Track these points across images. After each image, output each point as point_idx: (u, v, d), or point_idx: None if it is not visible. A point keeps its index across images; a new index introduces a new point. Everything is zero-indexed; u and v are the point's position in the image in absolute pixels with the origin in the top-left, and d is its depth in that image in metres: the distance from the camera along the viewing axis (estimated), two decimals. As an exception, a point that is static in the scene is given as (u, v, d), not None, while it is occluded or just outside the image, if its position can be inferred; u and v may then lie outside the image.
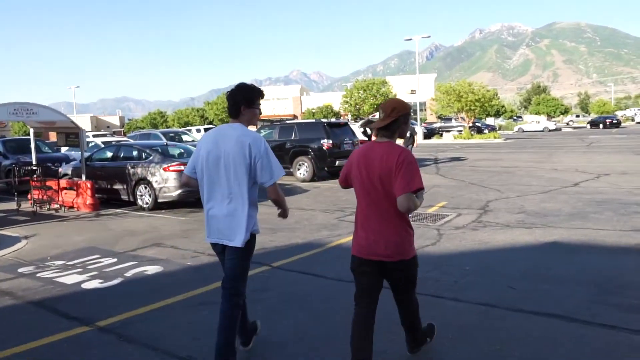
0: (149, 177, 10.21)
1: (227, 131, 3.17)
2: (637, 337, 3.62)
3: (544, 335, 3.69)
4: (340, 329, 4.01)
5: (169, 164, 10.10)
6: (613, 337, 3.63)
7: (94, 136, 27.67)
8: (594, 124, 55.51)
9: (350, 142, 15.13)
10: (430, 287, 4.74)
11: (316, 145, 14.31)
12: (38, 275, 5.75)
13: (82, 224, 9.09)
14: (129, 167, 10.60)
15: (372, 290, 3.04)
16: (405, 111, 2.97)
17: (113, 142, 14.66)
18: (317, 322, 4.20)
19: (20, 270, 6.00)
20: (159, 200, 10.15)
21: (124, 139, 20.29)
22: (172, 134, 21.21)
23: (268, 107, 65.04)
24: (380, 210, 2.90)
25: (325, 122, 15.19)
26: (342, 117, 47.76)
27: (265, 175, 3.12)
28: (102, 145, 14.15)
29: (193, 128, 33.49)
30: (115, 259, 6.35)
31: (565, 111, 75.42)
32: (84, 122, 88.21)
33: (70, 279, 5.53)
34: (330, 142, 14.25)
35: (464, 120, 39.14)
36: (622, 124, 62.04)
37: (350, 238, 7.07)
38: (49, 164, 13.03)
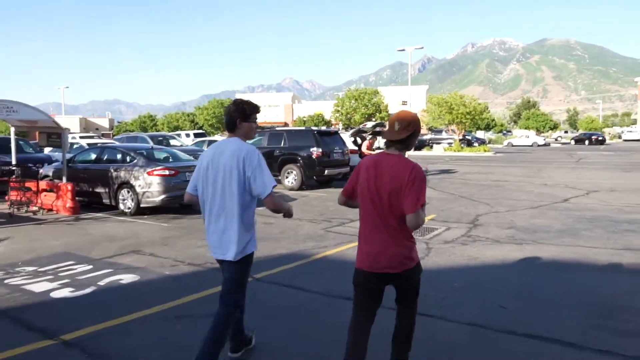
0: (132, 181, 9.92)
1: (224, 146, 3.24)
2: (634, 365, 3.44)
3: (536, 361, 3.49)
4: (323, 347, 3.79)
5: (153, 168, 9.83)
6: (608, 363, 3.46)
7: (81, 137, 27.23)
8: (578, 140, 56.01)
9: (340, 151, 14.96)
10: (419, 303, 4.52)
11: (305, 153, 14.11)
12: (6, 281, 5.45)
13: (60, 228, 8.77)
14: (112, 170, 10.30)
15: (372, 305, 3.04)
16: (419, 126, 2.98)
17: (98, 144, 14.33)
18: (299, 339, 3.97)
19: (-13, 275, 5.69)
20: (142, 205, 9.85)
21: (110, 141, 19.95)
22: (160, 138, 20.91)
23: (259, 115, 64.69)
24: (387, 225, 2.86)
25: (315, 130, 15.01)
26: (333, 126, 47.67)
27: (259, 187, 3.13)
28: (87, 147, 13.80)
29: (182, 133, 33.13)
30: (90, 266, 6.06)
31: (554, 127, 76.22)
32: (72, 123, 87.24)
33: (39, 286, 5.24)
34: (320, 150, 14.06)
35: (455, 132, 39.26)
36: (609, 141, 62.84)
37: (337, 250, 6.87)
38: (30, 165, 12.65)
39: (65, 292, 5.04)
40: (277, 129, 18.44)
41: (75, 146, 16.85)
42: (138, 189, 9.82)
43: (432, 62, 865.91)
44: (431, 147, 40.01)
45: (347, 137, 17.25)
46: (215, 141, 22.94)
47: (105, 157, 10.93)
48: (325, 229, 8.31)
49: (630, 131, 67.88)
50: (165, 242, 7.48)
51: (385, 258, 2.88)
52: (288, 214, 3.40)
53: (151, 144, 17.35)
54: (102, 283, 5.36)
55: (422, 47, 40.52)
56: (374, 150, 16.75)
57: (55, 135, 10.49)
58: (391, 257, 2.87)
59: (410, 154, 31.06)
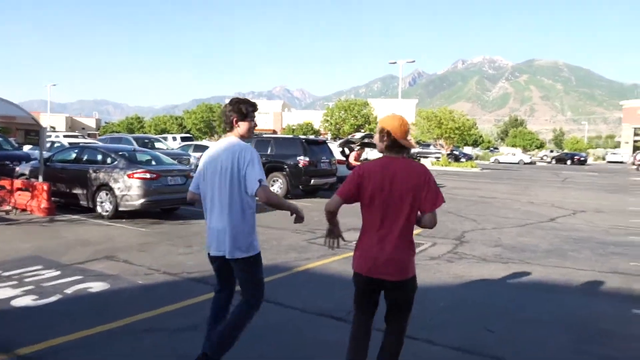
0: (111, 183, 9.59)
1: (221, 145, 3.25)
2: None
3: (524, 391, 3.30)
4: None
5: (134, 171, 9.51)
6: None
7: (65, 136, 26.68)
8: (560, 160, 56.51)
9: (328, 161, 14.77)
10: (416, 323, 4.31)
11: (292, 161, 13.88)
12: (-35, 286, 5.11)
13: (32, 230, 8.40)
14: (91, 171, 9.96)
15: (373, 308, 3.05)
16: (398, 125, 3.01)
17: (81, 144, 13.95)
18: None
19: (-53, 278, 5.35)
20: (120, 209, 9.52)
21: (92, 141, 19.52)
22: (146, 140, 20.53)
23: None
24: (399, 227, 2.85)
25: (303, 139, 14.82)
26: (322, 136, 47.61)
27: (248, 182, 3.11)
28: (67, 146, 13.42)
29: (169, 136, 32.71)
30: (58, 272, 5.74)
31: (541, 145, 77.18)
32: (58, 122, 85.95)
33: (0, 293, 4.91)
34: (307, 159, 13.86)
35: (442, 147, 39.41)
36: (593, 162, 63.73)
37: (319, 263, 6.63)
38: (7, 162, 12.23)
39: (28, 300, 4.72)
40: (265, 135, 18.22)
41: (56, 144, 16.42)
42: (117, 192, 9.50)
43: (422, 77, 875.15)
44: (419, 160, 40.06)
45: (335, 148, 17.10)
46: (202, 145, 22.63)
47: (85, 158, 10.58)
48: (308, 241, 8.08)
49: (614, 153, 69.04)
50: (142, 248, 7.18)
51: (393, 264, 2.85)
52: (298, 216, 3.30)
53: (135, 145, 17.00)
54: (69, 291, 5.05)
55: (414, 61, 40.72)
56: (361, 161, 16.59)
57: (33, 132, 10.12)
58: (398, 262, 2.86)
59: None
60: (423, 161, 38.73)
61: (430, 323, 4.48)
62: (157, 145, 20.18)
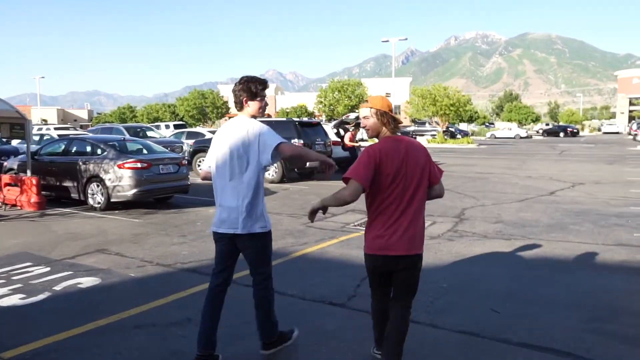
0: (102, 175, 9.35)
1: (232, 124, 3.25)
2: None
3: (535, 374, 3.15)
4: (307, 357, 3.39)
5: (124, 161, 9.26)
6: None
7: (56, 129, 26.29)
8: (551, 132, 56.13)
9: (322, 142, 14.53)
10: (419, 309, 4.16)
11: (287, 145, 13.63)
12: (-50, 287, 4.92)
13: (22, 225, 8.19)
14: (80, 163, 9.71)
15: (390, 286, 3.09)
16: (380, 104, 3.03)
17: (70, 136, 13.64)
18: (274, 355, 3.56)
19: None
20: (112, 200, 9.30)
21: (81, 132, 19.18)
22: (138, 129, 20.20)
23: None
24: (417, 203, 2.92)
25: (296, 121, 14.56)
26: (316, 118, 47.19)
27: (267, 148, 3.08)
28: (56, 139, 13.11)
29: (162, 124, 32.30)
30: (47, 268, 5.55)
31: (536, 119, 76.89)
32: (50, 114, 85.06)
33: (-14, 292, 4.73)
34: (302, 142, 13.61)
35: (438, 124, 39.12)
36: (589, 134, 63.60)
37: (316, 247, 6.45)
38: (-6, 157, 11.95)
39: (15, 300, 4.53)
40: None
41: (45, 137, 16.11)
42: (108, 183, 9.27)
43: (415, 55, 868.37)
44: (414, 138, 39.79)
45: (329, 129, 16.83)
46: (194, 132, 22.32)
47: (74, 149, 10.31)
48: (306, 224, 7.91)
49: (610, 124, 68.88)
50: (134, 240, 6.99)
51: (418, 240, 2.93)
52: (327, 165, 3.26)
53: (127, 135, 16.71)
54: (58, 288, 4.87)
55: (406, 39, 40.17)
56: (356, 141, 16.33)
57: (18, 126, 9.84)
58: (420, 237, 2.96)
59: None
60: (419, 139, 38.50)
61: (433, 306, 4.32)
62: (149, 134, 19.88)
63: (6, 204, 9.71)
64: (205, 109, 53.40)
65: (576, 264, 5.70)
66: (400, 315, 2.98)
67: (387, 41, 38.64)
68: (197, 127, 42.73)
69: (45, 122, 61.04)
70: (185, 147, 18.35)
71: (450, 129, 43.38)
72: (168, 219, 8.61)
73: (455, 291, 4.76)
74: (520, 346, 3.54)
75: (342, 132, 17.06)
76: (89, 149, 10.09)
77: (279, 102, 70.73)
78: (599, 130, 70.57)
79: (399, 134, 3.03)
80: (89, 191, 9.56)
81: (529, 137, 52.60)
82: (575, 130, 55.77)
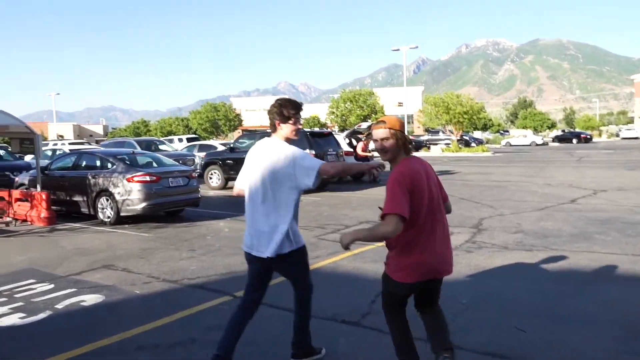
0: (111, 189, 9.25)
1: (265, 146, 3.26)
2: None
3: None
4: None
5: (133, 174, 9.16)
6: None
7: (70, 144, 26.55)
8: (563, 139, 54.75)
9: (334, 152, 14.32)
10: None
11: (298, 155, 13.45)
12: (-49, 306, 4.78)
13: (31, 241, 8.09)
14: (90, 177, 9.63)
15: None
16: (391, 126, 2.94)
17: (81, 150, 13.65)
18: (281, 376, 3.32)
19: None
20: (122, 214, 9.18)
21: (91, 146, 19.26)
22: (150, 143, 20.24)
23: (255, 118, 64.23)
24: (444, 220, 2.92)
25: (308, 132, 14.38)
26: (329, 129, 47.10)
27: (311, 172, 3.07)
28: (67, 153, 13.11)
29: (175, 137, 32.48)
30: (52, 285, 5.39)
31: (552, 125, 75.82)
32: (66, 130, 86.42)
33: (-14, 312, 4.57)
34: (313, 152, 13.41)
35: (452, 133, 38.69)
36: (607, 139, 62.43)
37: (329, 261, 6.20)
38: (7, 172, 11.96)
39: (14, 319, 4.36)
40: (269, 131, 17.82)
41: (58, 152, 16.17)
42: (117, 197, 9.16)
43: (426, 64, 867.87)
44: (429, 148, 39.41)
45: (341, 139, 16.64)
46: (206, 145, 22.31)
47: (84, 164, 10.26)
48: (318, 237, 7.67)
49: (629, 129, 67.51)
50: (142, 255, 6.82)
51: (448, 261, 2.91)
52: (371, 170, 3.27)
53: (138, 149, 16.71)
54: (60, 306, 4.69)
55: (417, 47, 39.99)
56: (369, 151, 16.10)
57: (27, 140, 9.81)
58: (451, 258, 2.95)
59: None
60: (433, 148, 38.10)
61: (453, 324, 4.02)
62: (161, 147, 19.91)
63: (17, 220, 9.65)
64: (218, 121, 53.67)
65: (604, 276, 5.36)
66: (439, 311, 3.09)
67: (398, 50, 38.49)
68: (210, 140, 42.91)
69: (61, 137, 61.97)
70: (197, 160, 18.30)
71: (464, 137, 42.89)
72: (178, 232, 8.44)
73: (476, 307, 4.46)
74: (550, 369, 3.24)
75: (354, 142, 16.84)
76: (98, 163, 10.02)
77: (291, 113, 70.78)
78: (617, 135, 69.22)
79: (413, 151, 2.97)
80: (99, 205, 9.46)
81: (545, 144, 51.77)
82: (588, 137, 54.69)
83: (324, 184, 14.34)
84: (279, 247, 3.11)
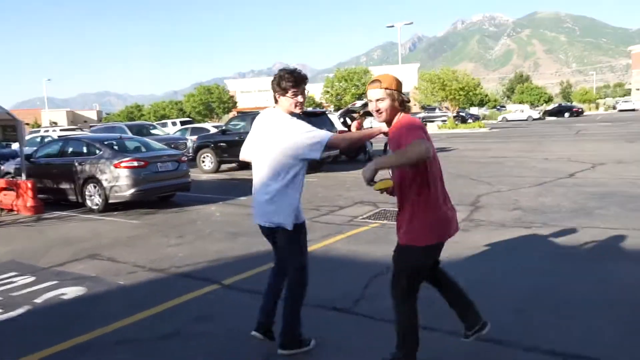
0: (98, 175, 8.98)
1: (266, 117, 3.22)
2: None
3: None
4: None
5: (120, 160, 8.89)
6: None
7: (62, 130, 26.13)
8: (553, 113, 54.23)
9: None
10: (423, 312, 3.69)
11: (291, 136, 13.16)
12: None
13: (15, 231, 7.87)
14: (76, 164, 9.35)
15: None
16: (386, 84, 2.76)
17: (68, 136, 13.32)
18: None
19: None
20: (110, 201, 8.94)
21: (78, 132, 18.91)
22: (141, 127, 19.86)
23: (250, 100, 63.58)
24: (442, 180, 2.79)
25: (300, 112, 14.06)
26: (324, 108, 46.60)
27: (318, 146, 2.98)
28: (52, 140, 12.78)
29: (169, 121, 32.01)
30: (33, 278, 5.18)
31: (549, 100, 75.29)
32: (59, 116, 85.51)
33: (-39, 308, 4.36)
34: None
35: (448, 109, 38.31)
36: (604, 112, 62.05)
37: (323, 244, 6.00)
38: (-7, 161, 11.67)
39: (-10, 315, 4.16)
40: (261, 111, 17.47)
41: (47, 139, 15.82)
42: (105, 184, 8.90)
43: (422, 41, 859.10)
44: (425, 125, 39.04)
45: (335, 119, 16.31)
46: (199, 128, 21.94)
47: (70, 150, 9.96)
48: (312, 219, 7.45)
49: (626, 101, 67.10)
50: (129, 243, 6.61)
51: (456, 218, 2.85)
52: (380, 133, 3.05)
53: (129, 134, 16.37)
54: (39, 300, 4.48)
55: (412, 23, 39.22)
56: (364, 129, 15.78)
57: (10, 128, 9.50)
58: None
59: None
60: (429, 125, 37.73)
61: (451, 309, 3.84)
62: (153, 131, 19.52)
63: (3, 209, 9.41)
64: (212, 104, 53.06)
65: (607, 253, 5.17)
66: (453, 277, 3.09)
67: (393, 26, 37.80)
68: (204, 122, 42.45)
69: (55, 124, 61.30)
70: (189, 144, 18.00)
71: (460, 113, 42.52)
72: (167, 218, 8.22)
73: (475, 290, 4.21)
74: (552, 354, 3.05)
75: (348, 121, 16.50)
76: (85, 149, 9.73)
77: (286, 94, 70.08)
78: (614, 108, 68.84)
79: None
80: (87, 193, 9.21)
81: (542, 118, 51.40)
82: (580, 110, 54.27)
83: (319, 164, 14.08)
84: (275, 217, 3.08)
